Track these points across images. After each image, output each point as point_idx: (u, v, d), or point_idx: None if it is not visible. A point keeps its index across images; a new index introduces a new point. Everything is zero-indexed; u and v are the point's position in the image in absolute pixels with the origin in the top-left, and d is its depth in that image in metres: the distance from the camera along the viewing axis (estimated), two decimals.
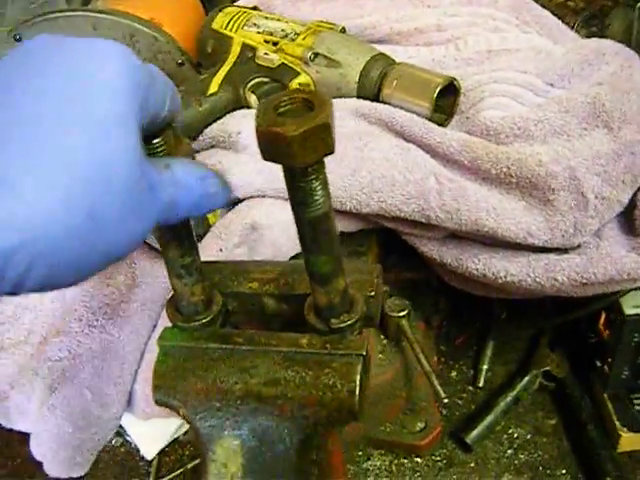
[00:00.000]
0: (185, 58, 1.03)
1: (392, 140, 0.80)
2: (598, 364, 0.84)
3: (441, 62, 0.92)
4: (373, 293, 0.64)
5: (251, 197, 0.82)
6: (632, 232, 0.77)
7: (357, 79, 0.89)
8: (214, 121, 0.90)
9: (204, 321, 0.63)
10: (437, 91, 0.83)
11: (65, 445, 0.80)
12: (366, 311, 0.62)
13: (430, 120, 0.83)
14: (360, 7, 1.04)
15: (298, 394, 0.58)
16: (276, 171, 0.76)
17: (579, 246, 0.77)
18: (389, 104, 0.85)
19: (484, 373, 0.90)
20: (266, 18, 1.01)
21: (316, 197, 0.52)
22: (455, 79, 0.84)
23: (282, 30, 0.97)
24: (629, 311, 0.77)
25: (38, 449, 0.82)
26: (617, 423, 0.83)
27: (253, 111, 0.85)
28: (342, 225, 0.81)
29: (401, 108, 0.84)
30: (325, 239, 0.55)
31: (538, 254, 0.77)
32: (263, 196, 0.82)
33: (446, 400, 0.79)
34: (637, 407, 0.84)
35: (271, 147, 0.48)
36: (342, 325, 0.59)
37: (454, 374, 0.92)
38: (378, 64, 0.88)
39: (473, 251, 0.78)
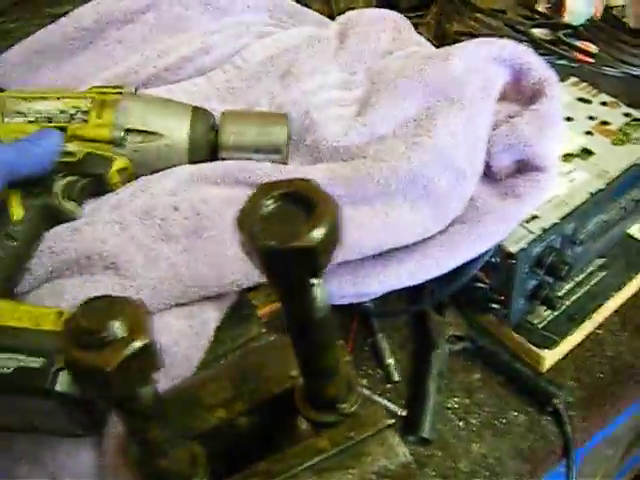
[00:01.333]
0: None
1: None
2: (494, 306, 0.86)
3: (229, 89, 0.87)
4: (347, 358, 0.60)
5: None
6: (499, 179, 0.80)
7: (187, 145, 0.80)
8: None
9: None
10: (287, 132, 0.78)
11: None
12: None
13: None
14: (109, 55, 0.94)
15: None
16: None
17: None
18: (230, 159, 0.79)
19: (393, 367, 0.89)
20: (26, 99, 0.79)
21: (321, 297, 0.46)
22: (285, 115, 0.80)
23: (61, 111, 0.78)
24: (513, 249, 0.79)
25: None
26: (534, 348, 0.86)
27: None
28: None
29: (248, 159, 0.78)
30: (330, 335, 0.50)
31: (430, 241, 0.77)
32: None
33: (404, 413, 0.78)
34: (538, 325, 0.88)
35: (283, 261, 0.42)
36: (354, 408, 0.55)
37: (366, 382, 0.89)
38: (204, 119, 0.81)
39: (375, 266, 0.76)
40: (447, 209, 0.75)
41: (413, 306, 0.90)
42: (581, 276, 0.93)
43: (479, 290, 0.85)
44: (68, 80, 0.90)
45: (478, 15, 1.20)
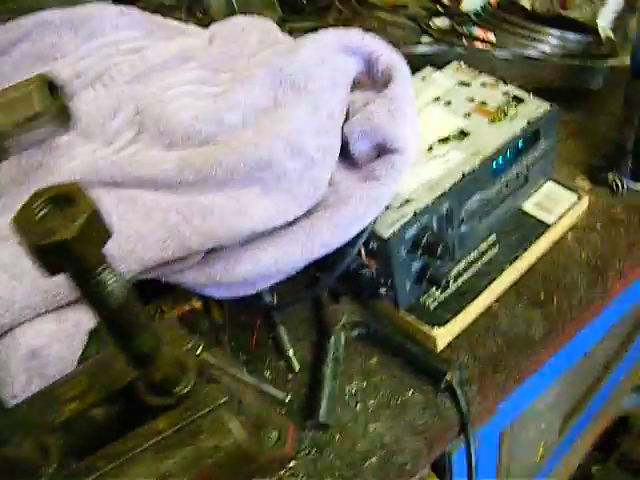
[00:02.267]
0: None
1: (114, 197, 0.77)
2: (383, 292, 0.89)
3: (97, 102, 0.90)
4: (190, 345, 0.62)
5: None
6: (357, 165, 0.82)
7: None
8: None
9: (51, 472, 0.57)
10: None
11: None
12: (196, 365, 0.60)
13: None
14: None
15: (193, 474, 0.56)
16: (20, 296, 0.71)
17: (325, 202, 0.80)
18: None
19: (293, 357, 0.91)
20: None
21: (112, 290, 0.49)
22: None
23: None
24: (387, 234, 0.81)
25: None
26: (426, 327, 0.88)
27: None
28: None
29: None
30: (135, 321, 0.52)
31: (293, 227, 0.79)
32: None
33: (287, 398, 0.80)
34: (429, 305, 0.90)
35: (53, 257, 0.44)
36: (188, 389, 0.58)
37: (268, 373, 0.92)
38: None
39: (240, 255, 0.78)
40: (299, 193, 0.78)
41: (304, 294, 0.92)
42: (473, 254, 0.95)
43: (366, 276, 0.88)
44: None
45: (379, 13, 1.23)
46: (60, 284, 0.72)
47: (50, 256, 0.44)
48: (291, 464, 0.84)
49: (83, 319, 0.74)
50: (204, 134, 0.81)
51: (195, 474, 0.55)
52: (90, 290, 0.48)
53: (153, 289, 0.83)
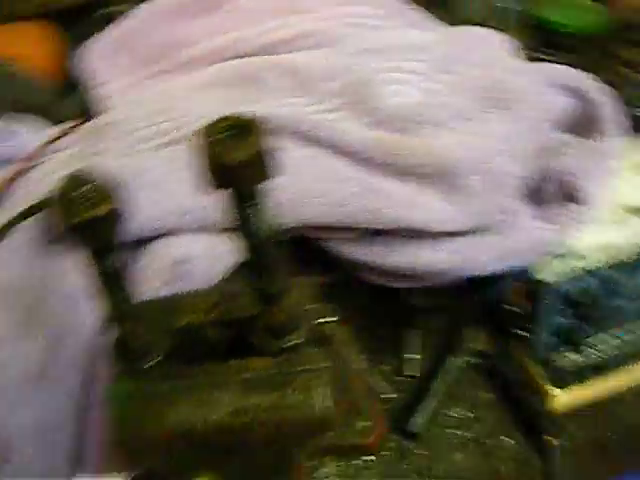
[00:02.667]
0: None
1: (301, 150, 0.80)
2: (518, 332, 0.87)
3: (321, 62, 0.93)
4: (317, 305, 0.64)
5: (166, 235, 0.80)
6: (542, 204, 0.81)
7: None
8: None
9: (151, 363, 0.61)
10: None
11: None
12: (314, 326, 0.62)
13: None
14: (222, 23, 1.02)
15: (267, 419, 0.57)
16: (182, 209, 0.76)
17: (496, 226, 0.79)
18: None
19: (412, 362, 0.92)
20: None
21: (261, 220, 0.51)
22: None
23: None
24: (546, 279, 0.80)
25: None
26: (545, 384, 0.86)
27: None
28: None
29: None
30: (272, 260, 0.54)
31: (460, 238, 0.79)
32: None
33: (387, 393, 0.80)
34: (559, 364, 0.88)
35: (219, 174, 0.47)
36: (295, 342, 0.59)
37: (383, 367, 0.93)
38: None
39: (399, 245, 0.79)
40: (475, 209, 0.77)
41: (450, 305, 0.92)
42: (625, 332, 0.91)
43: (508, 312, 0.87)
44: (180, 40, 0.98)
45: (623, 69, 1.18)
46: (216, 208, 0.75)
47: (219, 173, 0.47)
48: (369, 458, 0.85)
49: (230, 249, 0.77)
50: (406, 124, 0.81)
51: (267, 422, 0.57)
52: (244, 214, 0.51)
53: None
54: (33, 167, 0.96)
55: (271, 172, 0.48)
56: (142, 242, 0.81)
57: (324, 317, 0.82)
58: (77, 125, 1.00)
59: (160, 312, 0.65)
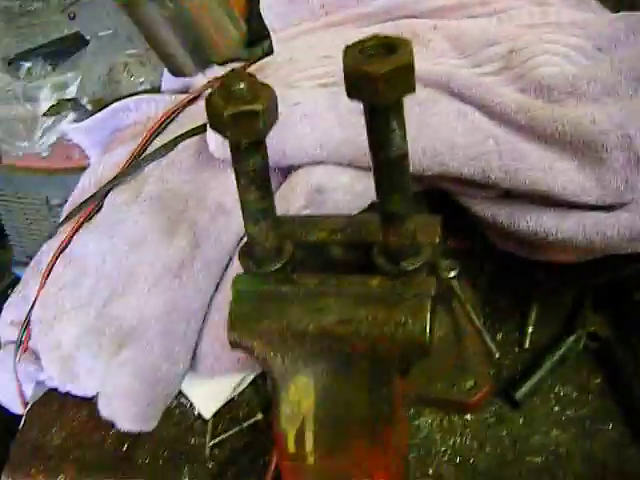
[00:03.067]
0: None
1: (450, 104, 0.83)
2: None
3: (484, 29, 0.95)
4: (437, 240, 0.67)
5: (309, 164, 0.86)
6: None
7: None
8: None
9: (275, 267, 0.66)
10: None
11: (135, 400, 0.83)
12: (432, 256, 0.64)
13: None
14: None
15: (370, 332, 0.61)
16: (334, 142, 0.81)
17: (628, 203, 0.79)
18: None
19: (529, 335, 0.92)
20: None
21: (395, 137, 0.55)
22: None
23: None
24: None
25: (107, 407, 0.86)
26: None
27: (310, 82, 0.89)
28: None
29: None
30: (401, 179, 0.58)
31: (588, 212, 0.79)
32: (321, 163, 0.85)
33: (497, 356, 0.81)
34: None
35: (358, 85, 0.51)
36: (411, 267, 0.62)
37: (500, 336, 0.94)
38: None
39: (525, 210, 0.81)
40: (613, 185, 0.77)
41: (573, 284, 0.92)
42: None
43: (632, 300, 0.86)
44: None
45: None
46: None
47: (358, 85, 0.51)
48: (468, 416, 0.87)
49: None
50: (556, 94, 0.83)
51: (369, 335, 0.61)
52: (377, 130, 0.54)
53: None
54: (199, 98, 1.04)
55: (408, 88, 0.51)
56: (292, 168, 0.87)
57: (449, 271, 0.84)
58: (247, 65, 1.08)
59: (291, 226, 0.70)
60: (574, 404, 0.87)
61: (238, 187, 0.62)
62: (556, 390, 0.88)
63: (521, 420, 0.86)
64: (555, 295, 0.95)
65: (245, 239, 0.67)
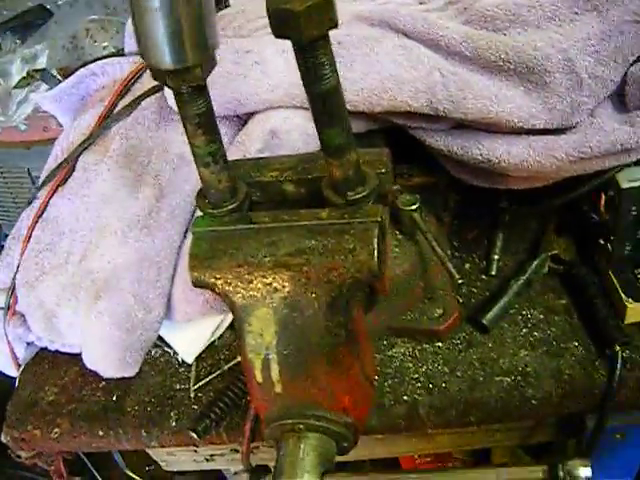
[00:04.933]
0: None
1: (395, 40, 0.86)
2: (602, 243, 0.89)
3: None
4: (384, 170, 0.69)
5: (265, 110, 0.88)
6: (623, 107, 0.82)
7: None
8: None
9: (231, 207, 0.69)
10: None
11: (115, 347, 0.86)
12: (378, 186, 0.67)
13: None
14: None
15: (322, 260, 0.64)
16: (285, 85, 0.83)
17: (575, 125, 0.82)
18: None
19: (495, 262, 0.95)
20: None
21: (325, 71, 0.57)
22: None
23: None
24: (625, 185, 0.81)
25: (89, 357, 0.89)
26: (623, 296, 0.87)
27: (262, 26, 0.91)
28: (353, 126, 0.86)
29: None
30: (336, 112, 0.60)
31: (537, 136, 0.82)
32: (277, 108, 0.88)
33: (461, 281, 0.84)
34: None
35: (281, 23, 0.53)
36: (357, 197, 0.65)
37: (467, 266, 0.97)
38: None
39: (477, 138, 0.84)
40: (557, 108, 0.80)
41: (538, 206, 0.95)
42: None
43: (592, 220, 0.88)
44: None
45: None
46: None
47: (282, 23, 0.53)
48: (439, 344, 0.90)
49: None
50: (497, 23, 0.85)
51: (324, 265, 0.64)
52: (306, 65, 0.57)
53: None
54: None
55: (331, 23, 0.54)
56: (249, 114, 0.90)
57: (411, 205, 0.86)
58: None
59: (244, 168, 0.73)
60: (541, 325, 0.90)
61: (186, 133, 0.64)
62: (523, 313, 0.91)
63: (490, 344, 0.89)
64: (519, 222, 0.98)
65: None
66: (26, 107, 1.34)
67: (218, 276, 0.67)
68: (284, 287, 0.65)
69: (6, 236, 1.58)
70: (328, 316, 0.65)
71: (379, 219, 0.64)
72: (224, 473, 1.37)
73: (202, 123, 0.63)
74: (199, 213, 0.72)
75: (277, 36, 0.54)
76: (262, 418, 0.72)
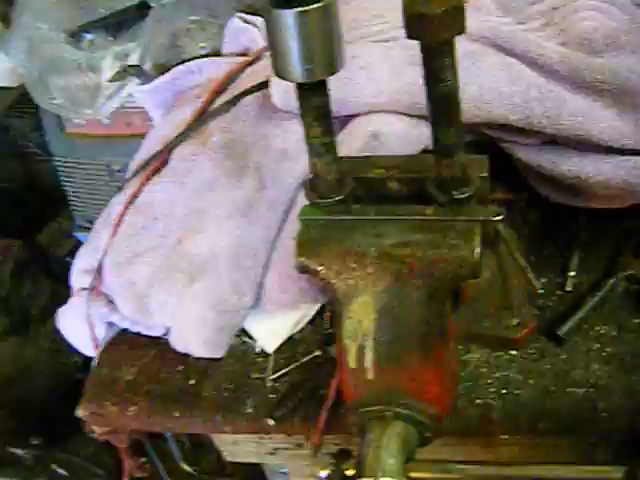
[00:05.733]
0: None
1: (496, 57, 0.89)
2: None
3: None
4: (485, 174, 0.72)
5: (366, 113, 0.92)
6: None
7: None
8: None
9: (337, 199, 0.72)
10: None
11: (207, 328, 0.90)
12: (480, 189, 0.70)
13: None
14: None
15: (426, 253, 0.67)
16: (389, 91, 0.87)
17: None
18: None
19: (571, 279, 0.98)
20: None
21: (448, 74, 0.61)
22: None
23: None
24: None
25: (181, 337, 0.93)
26: None
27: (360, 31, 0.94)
28: None
29: None
30: (453, 113, 0.64)
31: (627, 156, 0.85)
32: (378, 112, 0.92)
33: (541, 291, 0.87)
34: None
35: (416, 25, 0.57)
36: (462, 196, 0.68)
37: (544, 281, 0.99)
38: None
39: (567, 154, 0.87)
40: None
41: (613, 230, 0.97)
42: None
43: None
44: None
45: None
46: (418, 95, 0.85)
47: (416, 24, 0.57)
48: (513, 352, 0.92)
49: (424, 134, 0.88)
50: (595, 46, 0.88)
51: (424, 257, 0.67)
52: (432, 66, 0.61)
53: None
54: (259, 59, 1.11)
55: (460, 28, 0.57)
56: (349, 117, 0.94)
57: (495, 216, 0.88)
58: None
59: (351, 164, 0.77)
60: (614, 342, 0.92)
61: (304, 124, 0.68)
62: (596, 328, 0.93)
63: (563, 356, 0.91)
64: (596, 241, 1.01)
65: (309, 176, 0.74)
66: (113, 102, 1.38)
67: (323, 263, 0.70)
68: (387, 277, 0.68)
69: (79, 227, 1.64)
70: (426, 308, 0.68)
71: (481, 219, 0.68)
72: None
73: (320, 115, 0.67)
74: (298, 207, 0.76)
75: (410, 37, 0.58)
76: (348, 404, 0.75)
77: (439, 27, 0.57)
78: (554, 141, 0.89)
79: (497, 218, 0.87)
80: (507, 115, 0.86)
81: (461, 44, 0.91)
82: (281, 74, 0.61)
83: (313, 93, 0.65)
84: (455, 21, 0.57)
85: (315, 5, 0.57)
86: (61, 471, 1.78)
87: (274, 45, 0.60)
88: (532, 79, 0.87)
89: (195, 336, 0.91)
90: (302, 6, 0.57)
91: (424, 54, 0.60)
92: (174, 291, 0.92)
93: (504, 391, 0.89)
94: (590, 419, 0.86)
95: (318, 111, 0.66)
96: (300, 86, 0.65)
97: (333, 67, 0.62)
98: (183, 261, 0.92)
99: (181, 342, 0.93)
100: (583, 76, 0.84)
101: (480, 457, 1.07)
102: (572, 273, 0.98)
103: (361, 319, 0.70)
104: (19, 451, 1.72)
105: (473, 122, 0.88)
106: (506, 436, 0.88)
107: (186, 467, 1.45)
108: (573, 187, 0.88)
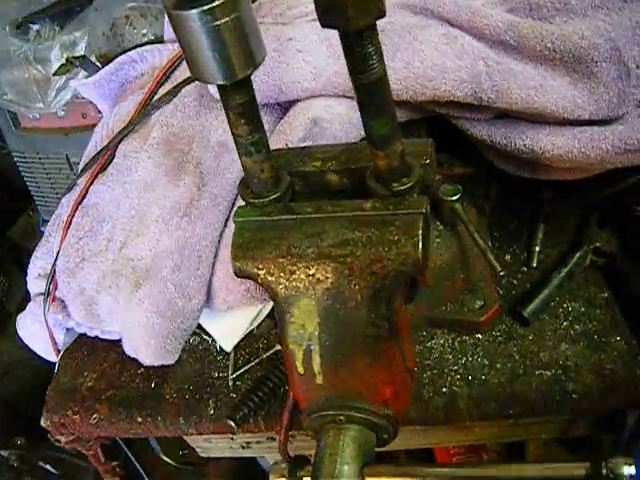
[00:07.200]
0: None
1: (439, 29, 0.85)
2: None
3: None
4: (428, 161, 0.69)
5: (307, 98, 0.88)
6: None
7: None
8: None
9: (273, 197, 0.68)
10: None
11: (155, 334, 0.87)
12: (422, 177, 0.66)
13: None
14: None
15: (366, 252, 0.63)
16: (331, 74, 0.83)
17: (622, 116, 0.80)
18: None
19: (537, 254, 0.95)
20: None
21: (371, 62, 0.57)
22: None
23: None
24: None
25: (129, 344, 0.90)
26: None
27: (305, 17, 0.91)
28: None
29: None
30: (383, 102, 0.60)
31: (583, 127, 0.81)
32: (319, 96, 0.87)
33: (502, 273, 0.83)
34: None
35: (329, 13, 0.53)
36: (402, 188, 0.65)
37: (508, 257, 0.96)
38: None
39: (520, 128, 0.83)
40: (603, 98, 0.78)
41: (579, 197, 0.94)
42: None
43: (635, 215, 0.87)
44: None
45: None
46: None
47: (329, 12, 0.53)
48: (478, 336, 0.89)
49: None
50: (543, 11, 0.83)
51: (367, 256, 0.63)
52: (353, 55, 0.56)
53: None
54: None
55: (379, 12, 0.53)
56: (290, 102, 0.89)
57: (452, 195, 0.85)
58: None
59: (287, 157, 0.73)
60: (582, 319, 0.89)
61: (228, 122, 0.64)
62: (564, 306, 0.90)
63: (530, 336, 0.88)
64: (561, 214, 0.97)
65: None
66: (65, 94, 1.34)
67: (261, 266, 0.67)
68: (327, 278, 0.65)
69: (44, 221, 1.61)
70: (371, 308, 0.65)
71: (423, 211, 0.64)
72: (259, 461, 1.38)
73: (244, 112, 0.63)
74: (241, 202, 0.72)
75: (324, 26, 0.53)
76: (302, 409, 0.72)
77: (355, 14, 0.52)
78: (507, 114, 0.85)
79: (453, 198, 0.85)
80: (454, 92, 0.82)
81: (402, 16, 0.88)
82: (200, 78, 0.57)
83: (236, 92, 0.61)
84: (372, 5, 0.53)
85: (220, 0, 0.52)
86: (49, 468, 1.76)
87: (185, 49, 0.55)
88: (479, 51, 0.82)
89: (144, 344, 0.88)
90: (206, 4, 0.52)
91: (343, 43, 0.56)
92: (120, 298, 0.89)
93: (470, 377, 0.86)
94: (559, 401, 0.83)
95: (243, 108, 0.62)
96: (222, 86, 0.61)
97: (253, 61, 0.57)
98: (127, 266, 0.89)
99: (131, 350, 0.90)
100: (532, 45, 0.80)
101: (455, 439, 1.05)
102: (537, 248, 0.95)
103: (304, 323, 0.66)
104: (3, 452, 1.70)
105: (419, 101, 0.84)
106: (474, 423, 0.86)
107: (167, 459, 1.42)
108: (530, 161, 0.85)
